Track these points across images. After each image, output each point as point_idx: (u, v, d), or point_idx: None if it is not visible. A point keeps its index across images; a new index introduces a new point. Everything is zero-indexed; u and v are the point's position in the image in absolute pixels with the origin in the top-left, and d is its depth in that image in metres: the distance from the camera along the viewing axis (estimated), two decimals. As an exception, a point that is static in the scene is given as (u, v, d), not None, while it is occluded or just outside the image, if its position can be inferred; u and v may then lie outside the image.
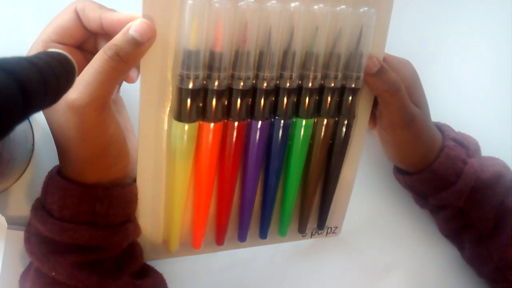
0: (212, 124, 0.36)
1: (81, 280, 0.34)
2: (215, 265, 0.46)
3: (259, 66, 0.36)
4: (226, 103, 0.36)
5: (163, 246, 0.41)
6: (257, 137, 0.38)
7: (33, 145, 0.40)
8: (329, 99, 0.39)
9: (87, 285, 0.34)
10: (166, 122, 0.36)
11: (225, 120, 0.37)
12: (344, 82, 0.39)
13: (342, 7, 0.37)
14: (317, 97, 0.39)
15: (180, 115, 0.35)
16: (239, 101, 0.36)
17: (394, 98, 0.40)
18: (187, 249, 0.42)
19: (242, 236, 0.43)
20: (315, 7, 0.36)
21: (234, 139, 0.37)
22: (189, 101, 0.34)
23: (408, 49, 0.46)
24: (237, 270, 0.47)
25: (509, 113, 0.56)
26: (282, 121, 0.38)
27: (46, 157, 0.40)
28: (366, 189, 0.51)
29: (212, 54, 0.34)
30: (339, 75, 0.39)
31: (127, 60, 0.31)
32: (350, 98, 0.40)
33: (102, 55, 0.31)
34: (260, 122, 0.37)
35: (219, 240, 0.42)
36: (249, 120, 0.38)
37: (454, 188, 0.44)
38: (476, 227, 0.46)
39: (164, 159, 0.37)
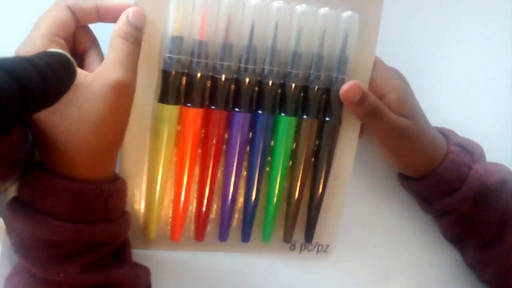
0: (192, 109, 0.37)
1: (90, 277, 0.33)
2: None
3: (242, 59, 0.38)
4: (209, 91, 0.38)
5: (143, 236, 0.41)
6: (239, 128, 0.39)
7: (33, 145, 0.40)
8: (313, 99, 0.40)
9: (94, 281, 0.34)
10: (152, 105, 0.38)
11: (208, 108, 0.38)
12: (329, 86, 0.40)
13: (325, 9, 0.39)
14: (303, 96, 0.40)
15: (163, 97, 0.37)
16: (220, 89, 0.38)
17: (377, 120, 0.40)
18: (165, 241, 0.41)
19: (222, 235, 0.42)
20: (298, 7, 0.38)
21: (215, 127, 0.38)
22: (171, 84, 0.37)
23: (411, 55, 0.47)
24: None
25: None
26: (265, 116, 0.39)
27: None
28: (365, 190, 0.50)
29: (195, 42, 0.36)
30: (322, 75, 0.40)
31: (140, 45, 0.34)
32: (335, 100, 0.40)
33: (124, 42, 0.33)
34: (242, 114, 0.39)
35: (198, 235, 0.41)
36: (231, 110, 0.39)
37: (459, 194, 0.44)
38: (479, 232, 0.45)
39: (148, 144, 0.39)
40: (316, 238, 0.45)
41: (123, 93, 0.32)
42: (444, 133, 0.47)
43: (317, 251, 0.46)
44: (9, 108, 0.20)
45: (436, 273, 0.52)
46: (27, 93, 0.20)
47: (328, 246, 0.46)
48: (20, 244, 0.33)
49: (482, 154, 0.47)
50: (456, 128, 0.48)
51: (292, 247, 0.45)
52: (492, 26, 0.54)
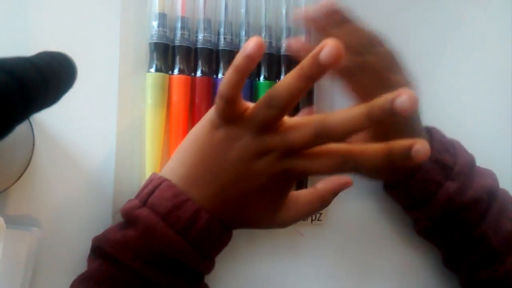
0: (181, 76, 0.42)
1: None
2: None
3: (219, 31, 0.43)
4: (193, 60, 0.43)
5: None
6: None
7: (33, 145, 0.40)
8: (286, 65, 0.45)
9: None
10: (142, 77, 0.42)
11: (192, 75, 0.43)
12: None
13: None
14: (277, 63, 0.45)
15: (151, 66, 0.41)
16: (204, 58, 0.43)
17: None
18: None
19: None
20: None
21: (202, 92, 0.42)
22: (157, 54, 0.41)
23: (410, 54, 0.46)
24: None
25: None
26: (247, 81, 0.43)
27: (46, 157, 0.40)
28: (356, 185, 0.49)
29: (178, 18, 0.42)
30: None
31: None
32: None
33: None
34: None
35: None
36: (214, 76, 0.43)
37: (425, 208, 0.44)
38: (443, 249, 0.47)
39: (141, 113, 0.42)
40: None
41: None
42: (430, 134, 0.45)
43: (311, 220, 0.46)
44: (9, 108, 0.20)
45: (428, 269, 0.51)
46: (27, 93, 0.20)
47: (320, 213, 0.47)
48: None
49: (465, 167, 0.43)
50: (453, 125, 0.47)
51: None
52: (496, 29, 0.54)
